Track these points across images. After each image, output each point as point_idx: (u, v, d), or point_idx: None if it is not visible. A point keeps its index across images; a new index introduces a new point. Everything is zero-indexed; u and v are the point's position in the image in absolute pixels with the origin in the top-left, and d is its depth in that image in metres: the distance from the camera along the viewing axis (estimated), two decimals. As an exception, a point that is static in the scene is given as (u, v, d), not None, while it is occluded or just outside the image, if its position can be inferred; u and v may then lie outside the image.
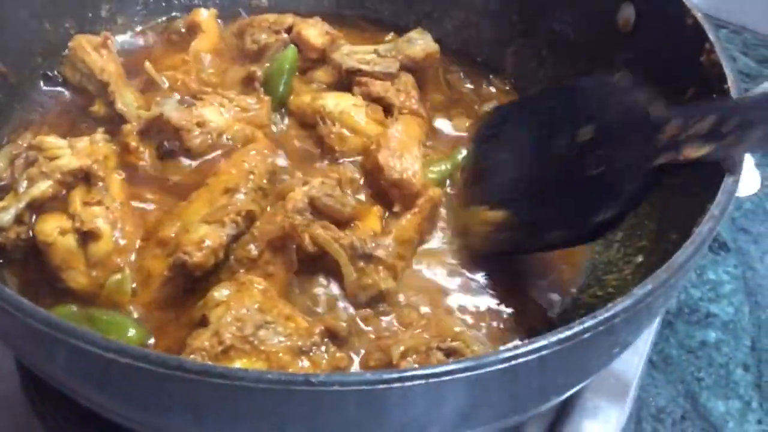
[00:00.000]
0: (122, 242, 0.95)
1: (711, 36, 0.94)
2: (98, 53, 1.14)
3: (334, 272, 0.95)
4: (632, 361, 1.05)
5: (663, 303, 0.73)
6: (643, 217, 1.04)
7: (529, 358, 0.62)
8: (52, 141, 1.01)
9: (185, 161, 1.07)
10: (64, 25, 1.19)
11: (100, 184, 0.98)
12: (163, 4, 1.32)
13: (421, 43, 1.25)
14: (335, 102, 1.14)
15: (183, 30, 1.29)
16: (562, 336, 0.63)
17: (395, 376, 0.59)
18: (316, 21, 1.29)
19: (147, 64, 1.16)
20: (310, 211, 0.96)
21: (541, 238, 0.98)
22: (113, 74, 1.12)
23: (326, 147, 1.12)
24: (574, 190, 0.93)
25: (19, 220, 0.95)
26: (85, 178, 0.98)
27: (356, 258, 0.94)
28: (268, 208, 1.00)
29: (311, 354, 0.82)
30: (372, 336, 0.91)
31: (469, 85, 1.30)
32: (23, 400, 0.96)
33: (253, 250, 0.93)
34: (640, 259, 0.98)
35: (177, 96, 1.10)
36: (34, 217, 0.97)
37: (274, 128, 1.15)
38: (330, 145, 1.12)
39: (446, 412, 0.65)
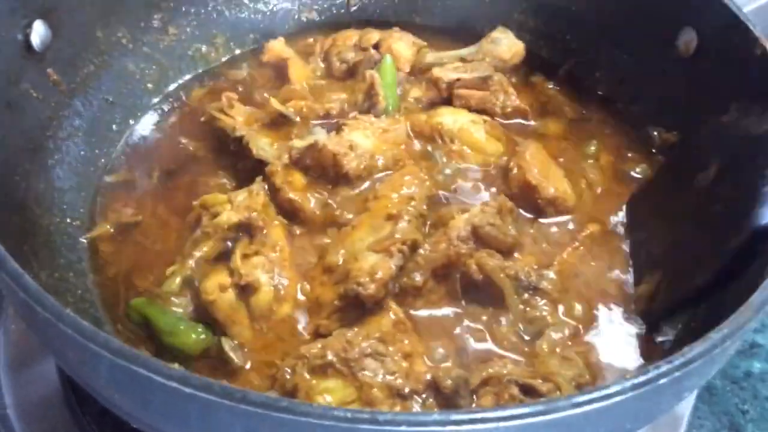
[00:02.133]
0: (282, 289, 0.94)
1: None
2: (225, 114, 1.13)
3: (494, 303, 0.93)
4: (685, 396, 1.03)
5: (737, 344, 0.71)
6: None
7: (603, 403, 0.60)
8: (215, 197, 1.00)
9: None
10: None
11: (261, 234, 0.96)
12: (214, 16, 1.30)
13: (506, 42, 1.25)
14: (453, 119, 1.14)
15: (266, 61, 1.26)
16: (636, 381, 0.61)
17: (465, 417, 0.58)
18: (401, 33, 1.28)
19: (272, 100, 1.13)
20: (473, 240, 0.95)
21: None
22: (244, 127, 1.11)
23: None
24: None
25: (187, 283, 0.95)
26: (247, 230, 0.97)
27: (520, 289, 0.92)
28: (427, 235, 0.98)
29: (406, 400, 0.81)
30: None
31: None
32: (63, 404, 0.97)
33: (417, 278, 0.92)
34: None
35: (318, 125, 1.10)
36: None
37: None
38: (450, 162, 1.11)
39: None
